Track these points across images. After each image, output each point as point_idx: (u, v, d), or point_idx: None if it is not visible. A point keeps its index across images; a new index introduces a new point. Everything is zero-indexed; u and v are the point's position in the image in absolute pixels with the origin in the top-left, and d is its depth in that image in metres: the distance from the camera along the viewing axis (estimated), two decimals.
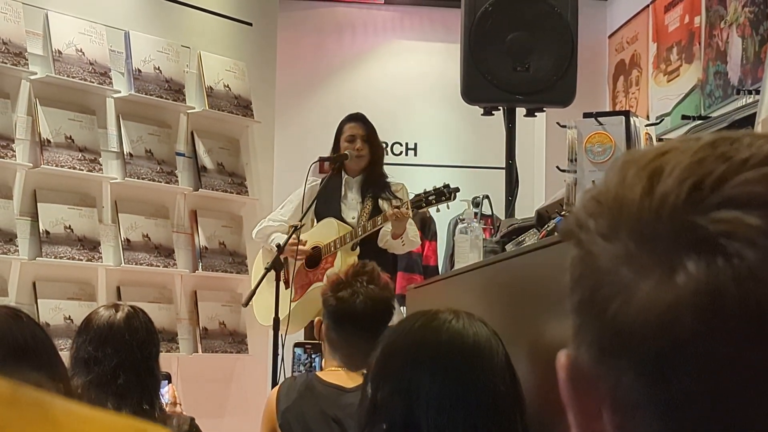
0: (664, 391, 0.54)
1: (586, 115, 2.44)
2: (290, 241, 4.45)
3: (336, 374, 2.65)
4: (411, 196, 4.65)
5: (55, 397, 0.53)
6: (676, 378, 0.54)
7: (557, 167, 3.30)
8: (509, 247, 2.85)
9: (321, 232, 4.70)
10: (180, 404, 3.16)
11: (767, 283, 0.52)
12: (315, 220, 4.81)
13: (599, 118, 2.29)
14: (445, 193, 4.37)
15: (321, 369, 3.00)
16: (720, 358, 0.52)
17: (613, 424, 0.58)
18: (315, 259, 4.67)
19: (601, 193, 0.59)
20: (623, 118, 2.38)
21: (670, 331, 0.53)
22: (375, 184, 4.76)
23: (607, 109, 5.63)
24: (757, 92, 3.41)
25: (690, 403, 0.54)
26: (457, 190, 4.36)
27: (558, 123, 3.06)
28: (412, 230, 4.63)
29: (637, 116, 2.46)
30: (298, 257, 4.60)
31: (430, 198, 4.39)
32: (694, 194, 0.54)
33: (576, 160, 2.57)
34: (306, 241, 4.64)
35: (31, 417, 0.51)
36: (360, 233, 4.54)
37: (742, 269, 0.52)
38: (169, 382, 3.16)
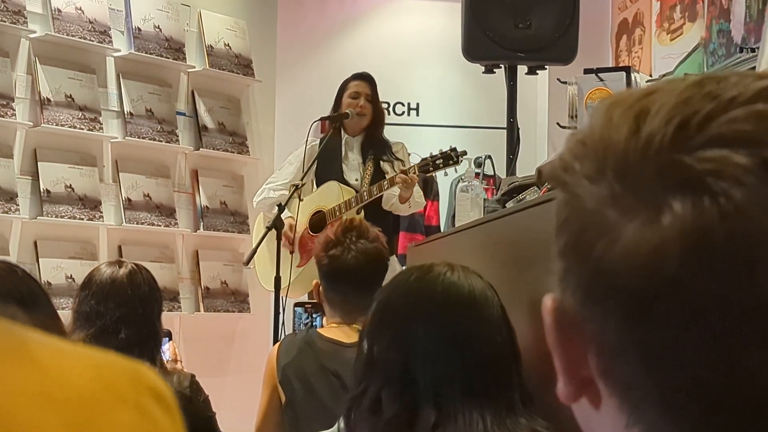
0: (649, 334, 0.53)
1: (587, 71, 2.43)
2: (285, 231, 4.44)
3: (336, 330, 2.66)
4: (414, 157, 4.62)
5: (33, 331, 0.52)
6: (661, 320, 0.53)
7: (558, 124, 3.29)
8: (510, 205, 2.84)
9: (323, 196, 4.68)
10: (181, 361, 3.17)
11: (754, 223, 0.51)
12: (315, 182, 4.79)
13: (600, 74, 2.28)
14: (452, 157, 4.32)
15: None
16: (706, 299, 0.51)
17: (598, 368, 0.57)
18: (320, 223, 4.65)
19: (586, 136, 0.58)
20: (624, 73, 2.36)
21: (656, 272, 0.52)
22: (376, 145, 4.73)
23: None
24: None
25: (676, 346, 0.53)
26: (464, 153, 4.32)
27: (558, 79, 3.05)
28: (417, 192, 4.62)
29: (638, 72, 2.44)
30: (289, 244, 4.58)
31: (437, 162, 4.35)
32: (680, 133, 0.53)
33: (577, 117, 2.55)
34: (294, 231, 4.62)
35: (2, 347, 0.50)
36: (366, 198, 4.52)
37: (728, 208, 0.51)
38: (170, 339, 3.17)
